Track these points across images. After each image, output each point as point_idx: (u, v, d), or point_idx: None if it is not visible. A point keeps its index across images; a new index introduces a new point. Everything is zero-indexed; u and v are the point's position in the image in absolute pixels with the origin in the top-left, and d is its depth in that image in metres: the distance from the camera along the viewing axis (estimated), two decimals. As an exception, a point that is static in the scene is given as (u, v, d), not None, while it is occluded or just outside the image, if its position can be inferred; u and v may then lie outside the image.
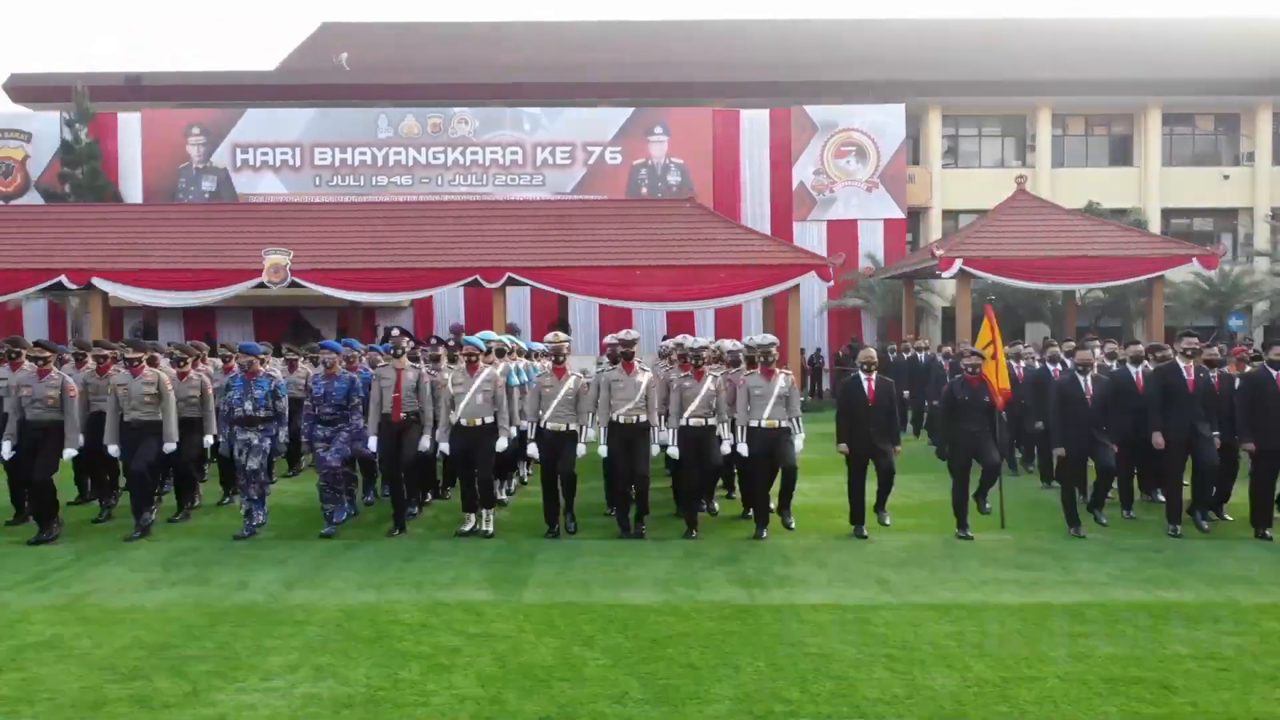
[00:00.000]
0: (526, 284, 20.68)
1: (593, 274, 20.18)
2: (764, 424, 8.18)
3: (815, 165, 28.89)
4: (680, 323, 24.98)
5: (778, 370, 8.29)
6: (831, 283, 21.88)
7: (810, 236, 28.14)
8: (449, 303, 27.67)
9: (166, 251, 20.89)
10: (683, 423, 8.58)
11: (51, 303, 27.68)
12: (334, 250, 20.57)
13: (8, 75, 30.31)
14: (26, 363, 8.02)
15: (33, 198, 28.81)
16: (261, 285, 20.51)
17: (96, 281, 20.27)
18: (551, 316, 25.46)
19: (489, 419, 8.29)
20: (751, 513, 8.85)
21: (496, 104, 29.23)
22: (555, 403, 8.36)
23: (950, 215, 30.66)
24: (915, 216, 30.32)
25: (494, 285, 20.25)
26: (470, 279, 20.20)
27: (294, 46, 35.17)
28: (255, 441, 8.19)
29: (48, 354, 7.90)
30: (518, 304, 26.43)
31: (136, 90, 30.00)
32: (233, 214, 23.37)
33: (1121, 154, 30.97)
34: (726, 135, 28.84)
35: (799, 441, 8.42)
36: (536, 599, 6.65)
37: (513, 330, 26.21)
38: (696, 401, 8.51)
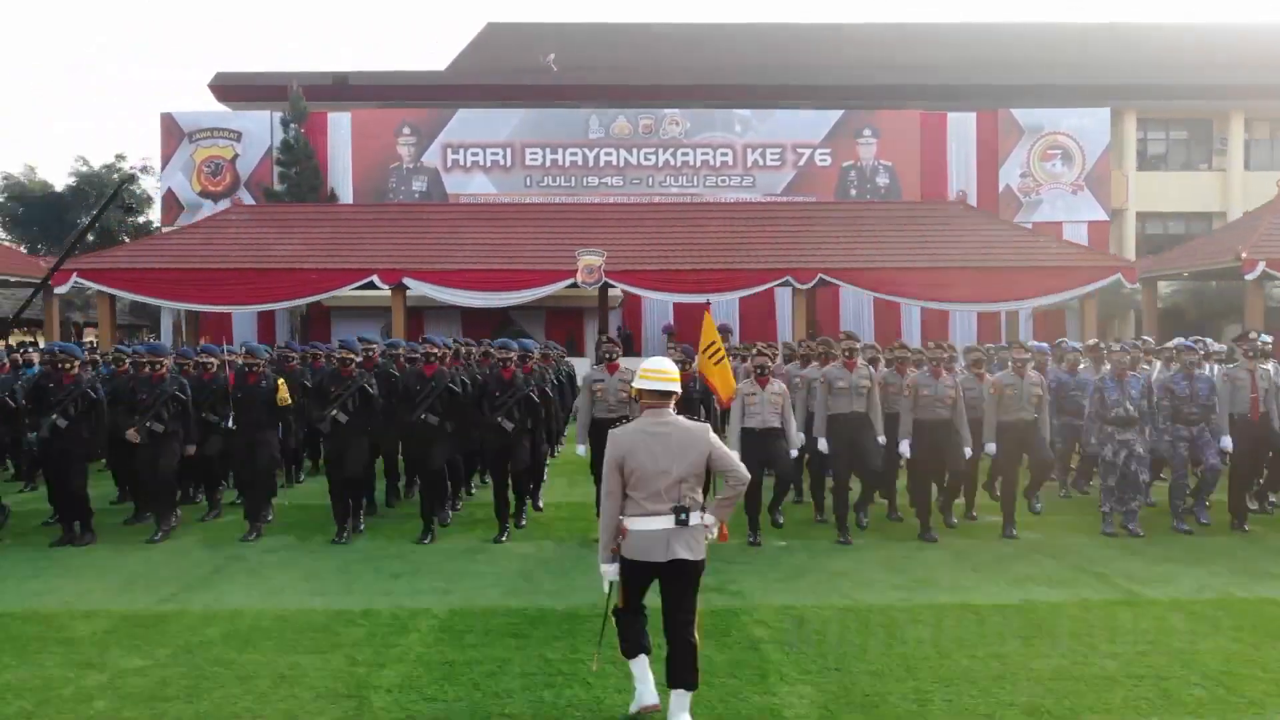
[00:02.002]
0: (836, 284, 20.90)
1: (901, 275, 20.44)
2: None
3: (1022, 168, 29.24)
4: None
5: None
6: (1137, 285, 22.16)
7: (1017, 238, 28.54)
8: (657, 304, 27.74)
9: (473, 251, 21.01)
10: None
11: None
12: (645, 251, 20.75)
13: (213, 74, 30.22)
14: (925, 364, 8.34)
15: (242, 197, 28.71)
16: (574, 286, 20.72)
17: (408, 281, 20.37)
18: (759, 318, 25.77)
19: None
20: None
21: (704, 105, 29.41)
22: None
23: (1141, 218, 31.18)
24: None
25: (805, 286, 20.49)
26: (783, 279, 20.41)
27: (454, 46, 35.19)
28: (1140, 451, 8.33)
29: (945, 354, 8.08)
30: (727, 304, 26.47)
31: (341, 89, 29.99)
32: (537, 215, 23.41)
33: (1309, 157, 31.56)
34: (933, 138, 29.13)
35: None
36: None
37: (725, 331, 26.45)
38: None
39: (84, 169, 33.70)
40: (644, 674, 4.45)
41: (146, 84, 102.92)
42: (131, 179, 25.25)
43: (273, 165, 28.57)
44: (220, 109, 30.13)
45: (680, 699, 4.31)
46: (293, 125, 28.19)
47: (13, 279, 24.42)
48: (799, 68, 30.71)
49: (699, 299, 22.78)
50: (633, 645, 4.44)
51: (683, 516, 4.27)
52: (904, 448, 8.59)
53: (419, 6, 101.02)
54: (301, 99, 28.26)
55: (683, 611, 4.31)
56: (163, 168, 29.28)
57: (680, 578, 4.32)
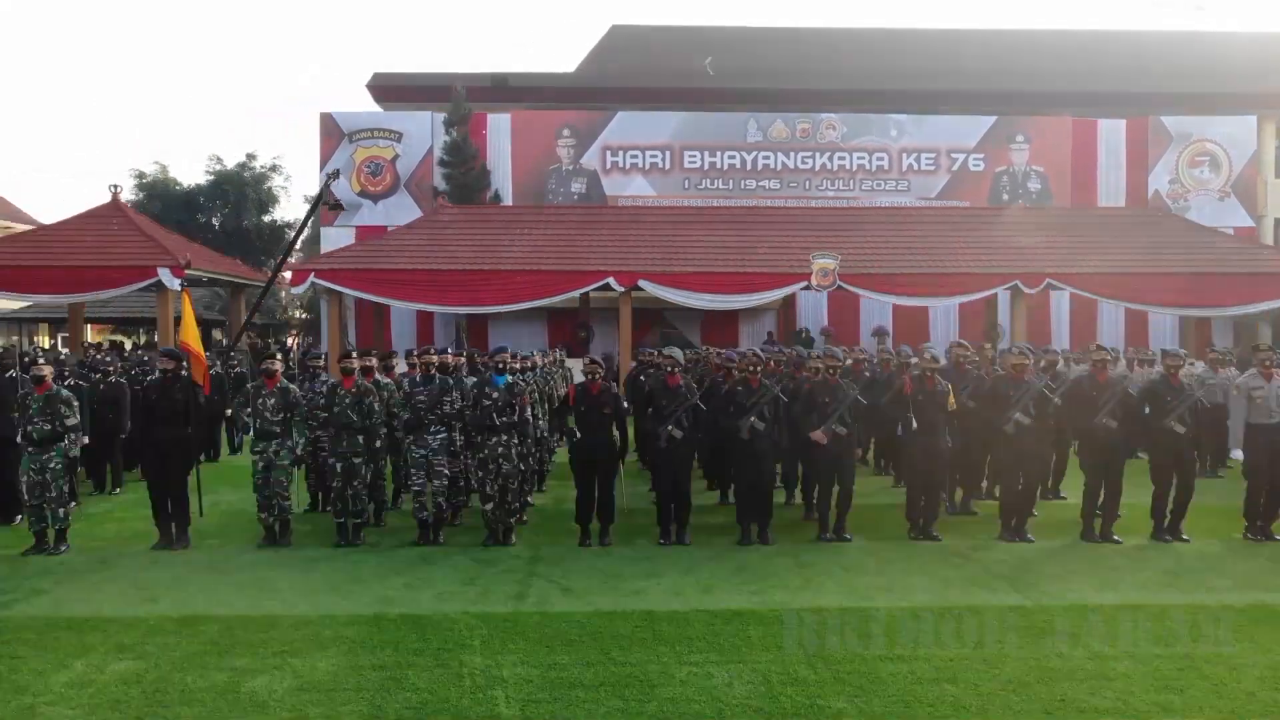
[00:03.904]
0: (1065, 289, 21.24)
1: (1135, 281, 20.80)
2: None
3: (1170, 174, 29.72)
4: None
5: None
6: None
7: (1165, 244, 28.99)
8: (811, 306, 27.90)
9: (705, 253, 21.22)
10: None
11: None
12: (876, 255, 21.02)
13: (370, 75, 30.26)
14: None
15: (402, 197, 28.84)
16: (807, 288, 20.98)
17: (643, 284, 20.56)
18: (912, 320, 25.93)
19: None
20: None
21: (856, 110, 29.69)
22: None
23: (1278, 224, 31.80)
24: (1246, 225, 31.33)
25: (1033, 290, 20.82)
26: (1010, 284, 20.73)
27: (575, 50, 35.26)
28: None
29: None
30: (880, 308, 26.53)
31: (495, 91, 30.06)
32: (768, 218, 23.62)
33: None
34: (1084, 144, 29.58)
35: None
36: None
37: (881, 333, 26.73)
38: None
39: (218, 167, 33.66)
40: None
41: (271, 82, 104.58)
42: (335, 174, 25.24)
43: (433, 166, 28.70)
44: (373, 109, 30.19)
45: None
46: (454, 127, 28.32)
47: (204, 277, 24.35)
48: (950, 73, 31.02)
49: (929, 302, 23.04)
50: None
51: None
52: None
53: (530, 9, 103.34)
54: (465, 101, 28.37)
55: None
56: (321, 167, 29.25)
57: None
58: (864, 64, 31.86)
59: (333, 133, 29.06)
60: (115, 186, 22.90)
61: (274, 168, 34.51)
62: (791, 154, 29.42)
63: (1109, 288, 20.81)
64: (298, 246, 31.48)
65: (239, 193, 32.99)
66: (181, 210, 32.74)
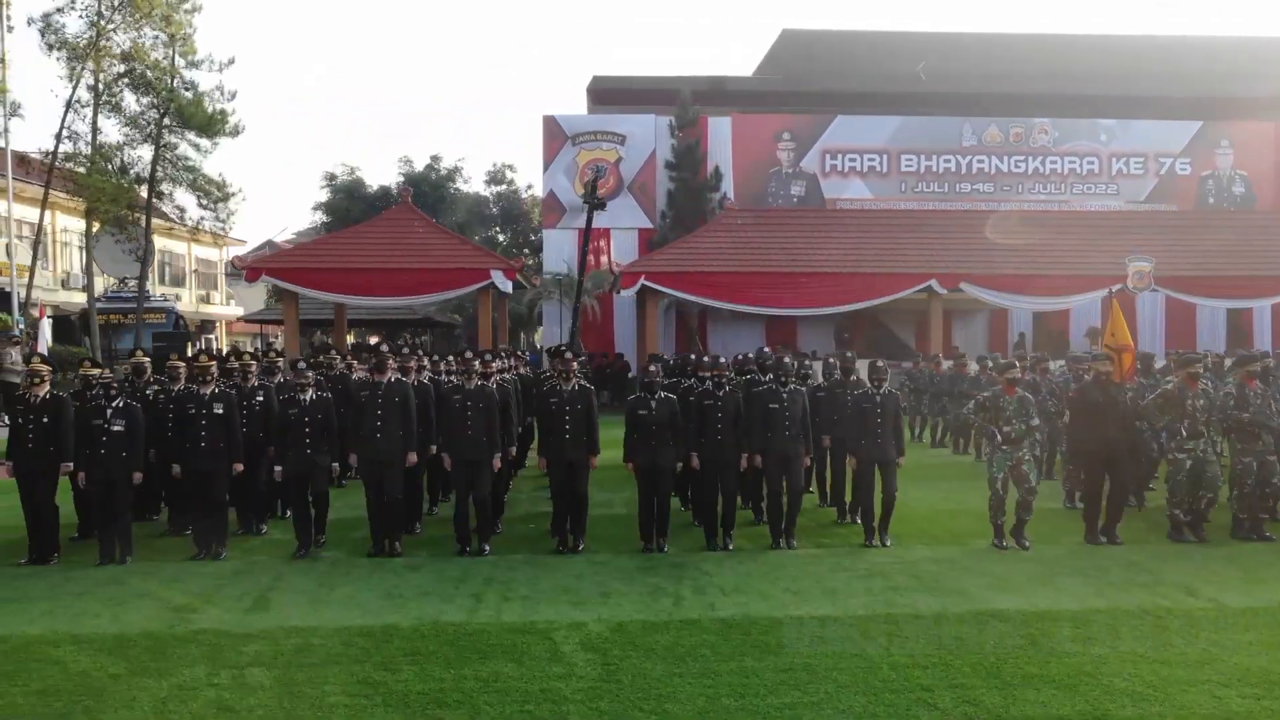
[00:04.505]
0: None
1: None
2: None
3: (1369, 178, 30.48)
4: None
5: None
6: None
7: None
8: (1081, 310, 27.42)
9: (1010, 255, 21.61)
10: None
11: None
12: (1192, 257, 21.50)
13: (589, 78, 30.42)
14: None
15: (626, 200, 29.05)
16: (1123, 290, 21.38)
17: (964, 286, 20.92)
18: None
19: None
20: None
21: (1061, 115, 30.18)
22: None
23: None
24: None
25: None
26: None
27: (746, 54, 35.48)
28: None
29: None
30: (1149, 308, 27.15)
31: (712, 95, 30.29)
32: (1073, 221, 24.01)
33: None
34: (1287, 149, 30.29)
35: None
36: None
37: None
38: None
39: (407, 169, 33.73)
40: None
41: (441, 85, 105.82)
42: (602, 172, 25.47)
43: (655, 169, 28.92)
44: (576, 112, 30.38)
45: None
46: (678, 131, 28.56)
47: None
48: (1157, 78, 31.54)
49: (1243, 304, 23.41)
50: None
51: None
52: None
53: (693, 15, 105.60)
54: (691, 106, 28.59)
55: None
56: (544, 170, 29.43)
57: None
58: (1065, 69, 32.28)
59: (556, 135, 29.22)
60: (403, 187, 22.96)
61: (458, 169, 34.63)
62: (1005, 158, 29.89)
63: None
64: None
65: (429, 193, 33.03)
66: (374, 211, 32.77)
